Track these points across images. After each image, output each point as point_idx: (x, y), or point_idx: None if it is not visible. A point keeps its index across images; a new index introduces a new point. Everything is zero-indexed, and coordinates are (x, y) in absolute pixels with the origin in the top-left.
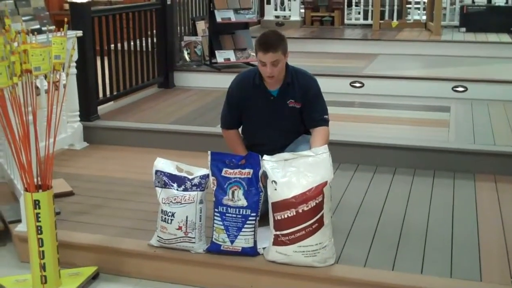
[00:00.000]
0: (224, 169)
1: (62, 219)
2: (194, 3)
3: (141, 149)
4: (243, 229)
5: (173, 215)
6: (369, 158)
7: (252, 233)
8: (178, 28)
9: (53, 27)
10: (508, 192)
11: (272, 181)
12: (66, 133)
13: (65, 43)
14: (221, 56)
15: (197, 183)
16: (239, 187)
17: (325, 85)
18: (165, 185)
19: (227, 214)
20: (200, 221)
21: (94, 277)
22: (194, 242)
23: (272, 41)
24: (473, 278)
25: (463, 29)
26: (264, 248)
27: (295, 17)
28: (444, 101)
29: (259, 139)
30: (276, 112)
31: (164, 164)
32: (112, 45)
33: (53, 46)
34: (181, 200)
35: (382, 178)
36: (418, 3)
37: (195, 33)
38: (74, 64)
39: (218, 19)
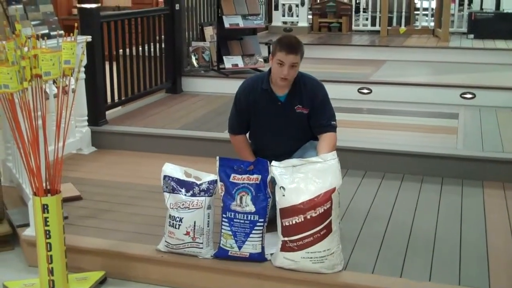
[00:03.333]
0: (232, 175)
1: (69, 223)
2: (202, 9)
3: (149, 154)
4: (251, 235)
5: (181, 220)
6: (377, 164)
7: (260, 239)
8: (186, 33)
9: (62, 32)
10: None
11: (280, 187)
12: (74, 138)
13: (75, 48)
14: (229, 62)
15: (205, 189)
16: (247, 192)
17: (332, 91)
18: (173, 190)
19: (235, 220)
20: (208, 226)
21: (102, 281)
22: (201, 248)
23: (295, 44)
24: (482, 286)
25: (471, 35)
26: (271, 254)
27: (303, 23)
28: (452, 108)
29: (266, 144)
30: (284, 118)
31: (173, 169)
32: (121, 50)
33: (63, 51)
34: (189, 205)
35: (390, 184)
36: (426, 9)
37: (203, 39)
38: (83, 69)
39: (226, 25)
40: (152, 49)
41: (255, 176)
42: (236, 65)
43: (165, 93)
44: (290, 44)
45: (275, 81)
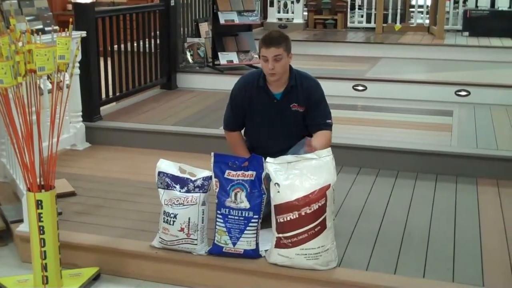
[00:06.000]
0: (227, 171)
1: (63, 219)
2: (197, 5)
3: (144, 150)
4: (245, 231)
5: (175, 216)
6: (372, 161)
7: (254, 235)
8: (181, 29)
9: (57, 27)
10: (510, 197)
11: (275, 184)
12: (69, 134)
13: (69, 44)
14: (224, 58)
15: (200, 185)
16: (241, 189)
17: (327, 88)
18: (167, 187)
19: (229, 216)
20: (202, 223)
21: (95, 278)
22: (196, 244)
23: (275, 37)
24: (475, 283)
25: (466, 33)
26: (266, 251)
27: (298, 19)
28: (447, 105)
29: (261, 142)
30: (279, 116)
31: (167, 165)
32: (115, 46)
33: (57, 46)
34: (183, 201)
35: (384, 181)
36: (421, 6)
37: (198, 35)
38: (78, 64)
39: (222, 21)
40: (147, 45)
41: (250, 172)
42: (231, 61)
43: (160, 89)
44: (270, 37)
45: (267, 78)
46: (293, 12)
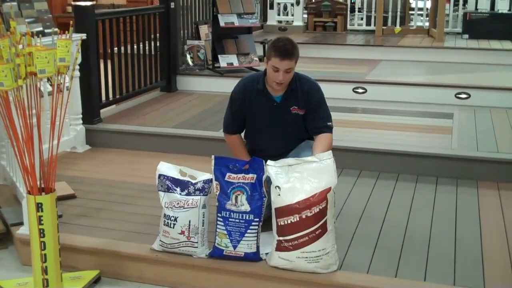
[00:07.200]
0: (228, 174)
1: (64, 222)
2: (197, 7)
3: (144, 152)
4: (246, 234)
5: (175, 219)
6: (372, 164)
7: (255, 238)
8: (182, 32)
9: (57, 30)
10: (511, 199)
11: (275, 187)
12: (69, 136)
13: (70, 46)
14: (224, 61)
15: (200, 188)
16: (242, 192)
17: (327, 90)
18: (168, 189)
19: (230, 219)
20: (203, 225)
21: (96, 280)
22: (196, 247)
23: (290, 48)
24: (476, 285)
25: (466, 35)
26: (266, 254)
27: (298, 22)
28: (447, 107)
29: (261, 145)
30: (279, 119)
31: (168, 168)
32: (116, 48)
33: (58, 49)
34: (184, 204)
35: (385, 184)
36: (421, 9)
37: (198, 37)
38: (78, 67)
39: (222, 24)
40: (147, 48)
41: (250, 175)
42: (231, 64)
43: (160, 92)
44: (285, 49)
45: (271, 84)
46: (293, 15)
